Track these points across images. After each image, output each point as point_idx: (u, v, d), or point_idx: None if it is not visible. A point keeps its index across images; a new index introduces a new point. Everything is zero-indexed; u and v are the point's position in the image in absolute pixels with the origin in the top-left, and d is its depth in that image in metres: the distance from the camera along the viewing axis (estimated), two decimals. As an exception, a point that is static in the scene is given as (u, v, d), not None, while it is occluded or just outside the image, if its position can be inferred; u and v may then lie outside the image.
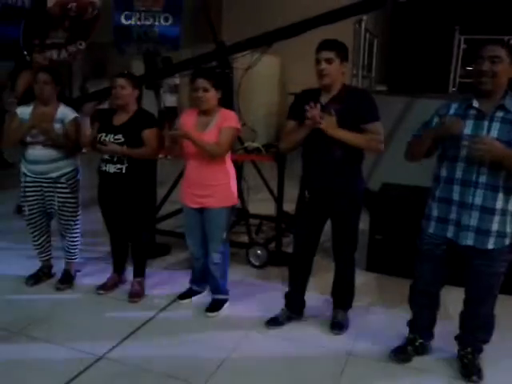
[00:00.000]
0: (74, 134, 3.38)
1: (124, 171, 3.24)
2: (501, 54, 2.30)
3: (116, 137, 3.21)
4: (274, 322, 3.14)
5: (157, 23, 8.06)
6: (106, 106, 7.20)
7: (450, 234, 2.54)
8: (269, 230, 4.53)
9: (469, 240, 2.47)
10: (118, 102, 3.24)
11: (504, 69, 2.31)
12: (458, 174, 2.45)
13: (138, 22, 7.98)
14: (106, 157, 3.26)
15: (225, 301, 3.36)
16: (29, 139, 3.31)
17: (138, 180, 3.30)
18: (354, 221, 2.98)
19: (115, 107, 3.31)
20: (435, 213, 2.58)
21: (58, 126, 3.32)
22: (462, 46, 6.96)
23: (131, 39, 8.01)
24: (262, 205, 4.64)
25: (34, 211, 3.49)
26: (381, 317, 3.31)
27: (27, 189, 3.44)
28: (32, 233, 3.56)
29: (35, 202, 3.47)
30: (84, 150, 3.53)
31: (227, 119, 3.05)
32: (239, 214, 4.42)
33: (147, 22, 8.03)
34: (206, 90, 2.97)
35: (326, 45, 2.73)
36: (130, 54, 7.99)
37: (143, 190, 3.36)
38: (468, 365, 2.68)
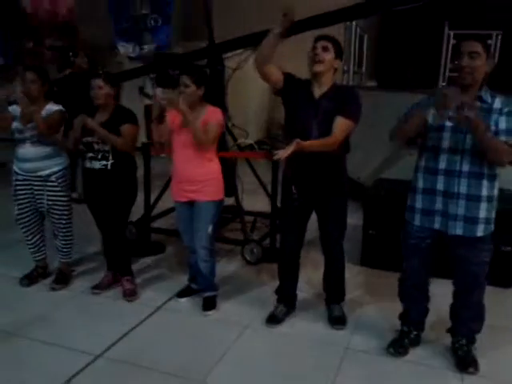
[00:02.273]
0: (54, 121, 3.34)
1: (109, 167, 3.27)
2: (478, 49, 2.37)
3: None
4: (273, 321, 3.14)
5: (148, 25, 8.05)
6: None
7: (437, 225, 2.57)
8: (263, 226, 4.54)
9: (458, 229, 2.52)
10: (97, 102, 3.27)
11: (482, 63, 2.39)
12: (442, 164, 2.50)
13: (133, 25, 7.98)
14: (91, 154, 3.29)
15: (215, 296, 3.37)
16: (17, 135, 3.32)
17: (122, 175, 3.34)
18: (341, 211, 3.00)
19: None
20: (419, 205, 2.62)
21: None
22: (452, 41, 7.01)
23: (128, 40, 8.01)
24: (256, 202, 4.65)
25: (25, 210, 3.48)
26: (376, 311, 3.33)
27: (17, 187, 3.44)
28: (24, 232, 3.55)
29: (26, 200, 3.46)
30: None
31: (213, 116, 3.10)
32: (234, 211, 4.43)
33: (141, 26, 8.03)
34: (186, 86, 3.01)
35: (324, 36, 2.78)
36: (125, 56, 7.97)
37: (127, 185, 3.39)
38: (464, 357, 2.72)
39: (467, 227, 2.50)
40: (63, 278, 3.61)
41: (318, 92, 2.79)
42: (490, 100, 2.45)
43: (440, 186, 2.52)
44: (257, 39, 4.00)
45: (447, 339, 2.85)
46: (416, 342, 2.88)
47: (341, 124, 2.72)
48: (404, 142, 2.66)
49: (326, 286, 3.22)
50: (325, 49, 2.72)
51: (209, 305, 3.30)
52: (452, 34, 7.24)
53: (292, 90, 2.83)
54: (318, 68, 2.73)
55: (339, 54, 2.79)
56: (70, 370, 2.63)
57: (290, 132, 2.87)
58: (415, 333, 2.87)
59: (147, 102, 7.46)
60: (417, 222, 2.64)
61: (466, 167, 2.46)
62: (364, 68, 7.88)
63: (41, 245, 3.64)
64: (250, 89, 8.48)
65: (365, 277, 3.85)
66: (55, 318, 3.18)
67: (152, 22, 7.84)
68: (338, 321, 3.11)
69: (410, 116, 2.58)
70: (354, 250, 4.01)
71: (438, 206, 2.55)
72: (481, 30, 6.04)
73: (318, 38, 2.78)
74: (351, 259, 3.92)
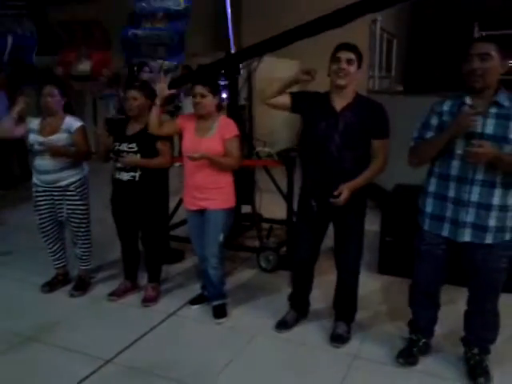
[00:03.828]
0: (81, 142, 3.48)
1: (137, 179, 3.34)
2: (489, 50, 2.27)
3: (130, 145, 3.31)
4: (283, 326, 3.14)
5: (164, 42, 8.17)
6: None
7: (445, 233, 2.51)
8: (282, 234, 4.53)
9: (466, 236, 2.44)
10: (130, 114, 3.35)
11: (494, 65, 2.28)
12: (454, 170, 2.42)
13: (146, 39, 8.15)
14: (119, 165, 3.35)
15: (225, 305, 3.38)
16: (37, 147, 3.43)
17: (151, 187, 3.39)
18: (359, 226, 2.90)
19: (129, 116, 3.41)
20: (429, 209, 2.56)
21: (64, 135, 3.42)
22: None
23: (140, 54, 8.17)
24: (275, 209, 4.65)
25: (46, 219, 3.61)
26: (389, 319, 3.27)
27: (38, 198, 3.56)
28: (45, 241, 3.68)
29: (47, 210, 3.58)
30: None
31: (228, 129, 3.12)
32: (251, 219, 4.44)
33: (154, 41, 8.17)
34: (202, 96, 3.05)
35: (347, 45, 2.70)
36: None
37: (156, 196, 3.46)
38: (475, 367, 2.63)
39: (475, 234, 2.43)
40: (82, 285, 3.72)
41: (339, 104, 2.72)
42: (507, 103, 2.33)
43: (451, 192, 2.45)
44: (268, 46, 4.02)
45: (461, 349, 2.76)
46: (425, 350, 2.81)
47: (381, 147, 2.74)
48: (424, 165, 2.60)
49: (334, 303, 3.11)
50: (349, 62, 2.65)
51: (220, 313, 3.32)
52: (483, 34, 7.06)
53: (305, 106, 2.79)
54: (343, 81, 2.67)
55: (361, 63, 2.74)
56: (80, 374, 2.70)
57: (308, 144, 2.85)
58: (424, 340, 2.80)
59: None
60: (426, 226, 2.59)
61: (479, 175, 2.37)
62: (393, 72, 7.78)
63: (61, 253, 3.76)
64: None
65: (381, 284, 3.78)
66: (71, 323, 3.27)
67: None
68: (337, 339, 2.97)
69: (427, 142, 2.50)
70: (371, 257, 3.95)
71: (449, 212, 2.48)
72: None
73: (340, 48, 2.70)
74: (368, 266, 3.86)
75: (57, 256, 3.75)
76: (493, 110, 2.34)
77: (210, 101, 3.06)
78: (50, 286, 3.71)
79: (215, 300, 3.35)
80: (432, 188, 2.55)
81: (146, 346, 3.00)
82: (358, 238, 2.92)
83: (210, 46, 8.75)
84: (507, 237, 2.45)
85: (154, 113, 3.18)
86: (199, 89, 3.05)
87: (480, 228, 2.42)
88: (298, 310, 3.22)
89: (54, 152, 3.38)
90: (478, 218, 2.41)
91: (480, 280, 2.54)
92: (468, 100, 2.38)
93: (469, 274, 2.59)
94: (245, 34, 9.06)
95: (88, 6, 8.93)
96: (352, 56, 2.66)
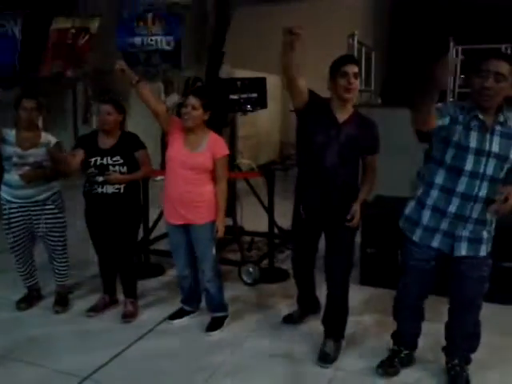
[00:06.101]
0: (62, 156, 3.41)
1: (122, 191, 3.31)
2: (504, 71, 2.22)
3: (114, 158, 3.28)
4: (288, 319, 3.33)
5: (159, 46, 8.26)
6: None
7: (435, 244, 2.50)
8: (264, 246, 4.52)
9: (463, 250, 2.46)
10: (104, 128, 3.33)
11: (506, 86, 2.25)
12: (461, 187, 2.37)
13: (142, 47, 8.25)
14: (101, 179, 3.28)
15: (224, 317, 3.35)
16: (16, 160, 3.33)
17: (134, 198, 3.43)
18: (349, 240, 2.87)
19: (101, 131, 3.38)
20: (425, 221, 2.51)
21: (43, 150, 3.36)
22: (460, 56, 6.95)
23: (138, 63, 8.23)
24: (256, 221, 4.64)
25: (20, 237, 3.50)
26: (371, 330, 3.26)
27: (12, 215, 3.44)
28: (17, 260, 3.58)
29: (21, 228, 3.47)
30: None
31: (219, 147, 3.11)
32: (232, 232, 4.42)
33: (150, 47, 8.26)
34: (194, 108, 3.02)
35: (352, 59, 2.73)
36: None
37: (138, 208, 3.49)
38: (455, 377, 2.63)
39: (472, 247, 2.45)
40: (63, 301, 3.64)
41: (341, 116, 2.73)
42: (509, 123, 2.34)
43: (453, 208, 2.41)
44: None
45: (443, 359, 2.75)
46: (408, 361, 2.81)
47: (373, 162, 2.87)
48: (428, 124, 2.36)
49: (324, 317, 3.03)
50: (356, 76, 2.66)
51: (215, 325, 3.29)
52: (460, 49, 7.21)
53: (313, 111, 2.73)
54: (350, 95, 2.68)
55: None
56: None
57: (306, 152, 2.83)
58: (406, 352, 2.80)
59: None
60: (417, 238, 2.54)
61: (482, 193, 2.36)
62: (373, 86, 7.87)
63: (32, 270, 3.67)
64: (262, 113, 8.58)
65: (363, 295, 3.77)
66: (48, 340, 3.20)
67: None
68: (323, 358, 2.88)
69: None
70: (353, 269, 3.94)
71: (444, 225, 2.45)
72: (486, 43, 6.02)
73: (345, 61, 2.68)
74: (350, 278, 3.85)
75: (28, 275, 3.65)
76: (498, 128, 2.34)
77: (199, 114, 3.03)
78: (27, 303, 3.62)
79: (216, 312, 3.34)
80: (431, 201, 2.48)
81: (124, 362, 2.94)
82: (348, 252, 2.89)
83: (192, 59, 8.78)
84: (489, 248, 2.50)
85: (146, 87, 3.13)
86: (193, 100, 3.02)
87: (476, 241, 2.44)
88: (306, 308, 3.33)
89: (34, 177, 3.33)
90: (474, 233, 2.43)
91: (464, 291, 2.55)
92: (480, 115, 2.33)
93: (453, 285, 2.58)
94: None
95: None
96: (357, 70, 2.68)
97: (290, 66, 2.56)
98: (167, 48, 8.29)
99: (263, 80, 4.51)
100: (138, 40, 8.28)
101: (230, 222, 4.41)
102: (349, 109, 2.76)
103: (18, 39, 8.17)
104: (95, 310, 3.53)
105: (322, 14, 9.21)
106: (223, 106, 4.31)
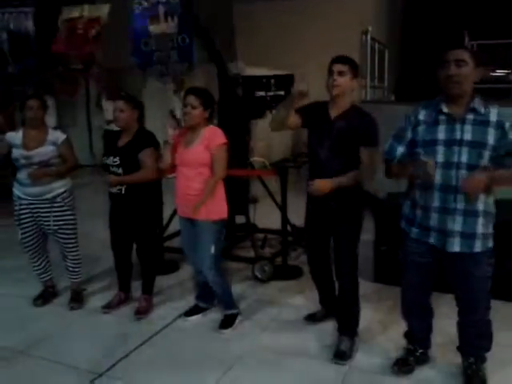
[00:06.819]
0: (70, 155, 3.48)
1: (123, 192, 3.32)
2: (465, 57, 2.30)
3: (114, 159, 3.31)
4: (310, 318, 3.34)
5: (175, 45, 8.26)
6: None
7: (432, 240, 2.49)
8: (277, 243, 4.52)
9: (455, 246, 2.43)
10: (118, 125, 3.34)
11: (470, 72, 2.31)
12: (438, 179, 2.39)
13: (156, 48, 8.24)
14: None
15: (235, 315, 3.35)
16: (22, 161, 3.39)
17: (138, 199, 3.36)
18: (351, 236, 2.91)
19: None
20: (418, 220, 2.53)
21: (50, 148, 3.40)
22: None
23: (153, 62, 8.24)
24: (270, 219, 4.64)
25: (30, 233, 3.55)
26: (384, 328, 3.25)
27: (22, 211, 3.50)
28: (30, 255, 3.63)
29: (31, 224, 3.52)
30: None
31: (215, 138, 3.08)
32: (245, 229, 4.43)
33: (165, 47, 8.26)
34: (193, 107, 3.03)
35: (340, 58, 2.81)
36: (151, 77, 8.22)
37: (144, 208, 3.41)
38: (472, 376, 2.61)
39: (465, 243, 2.42)
40: (78, 297, 3.69)
41: (334, 112, 2.84)
42: (483, 111, 2.36)
43: (436, 202, 2.42)
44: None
45: (459, 358, 2.72)
46: (423, 360, 2.79)
47: (367, 154, 2.79)
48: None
49: (337, 313, 3.11)
50: (340, 73, 2.76)
51: (226, 323, 3.30)
52: (475, 44, 7.14)
53: (310, 117, 2.89)
54: (335, 92, 2.79)
55: (355, 74, 2.82)
56: (72, 388, 2.67)
57: (308, 150, 2.97)
58: (421, 351, 2.78)
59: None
60: (413, 235, 2.56)
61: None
62: (386, 82, 7.84)
63: (47, 266, 3.72)
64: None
65: (376, 293, 3.77)
66: (64, 336, 3.24)
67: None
68: (339, 356, 2.91)
69: (397, 171, 2.59)
70: (366, 267, 3.93)
71: (433, 222, 2.45)
72: (500, 39, 5.96)
73: (333, 61, 2.81)
74: (364, 275, 3.84)
75: (43, 270, 3.70)
76: (470, 117, 2.35)
77: (198, 113, 3.04)
78: (43, 299, 3.67)
79: (226, 310, 3.36)
80: (417, 198, 2.51)
81: (140, 359, 2.97)
82: (351, 248, 2.92)
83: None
84: (490, 244, 2.46)
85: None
86: (192, 99, 3.04)
87: (469, 236, 2.41)
88: (330, 308, 3.30)
89: (42, 175, 3.37)
90: (465, 226, 2.40)
91: (467, 290, 2.53)
92: (444, 108, 2.38)
93: (456, 284, 2.57)
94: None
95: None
96: (342, 68, 2.76)
97: (288, 118, 2.83)
98: (182, 45, 8.28)
99: (291, 77, 4.42)
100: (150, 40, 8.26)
101: (242, 219, 4.43)
102: (342, 105, 2.83)
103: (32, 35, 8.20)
104: (110, 306, 3.57)
105: (334, 11, 9.18)
106: (244, 106, 4.27)
